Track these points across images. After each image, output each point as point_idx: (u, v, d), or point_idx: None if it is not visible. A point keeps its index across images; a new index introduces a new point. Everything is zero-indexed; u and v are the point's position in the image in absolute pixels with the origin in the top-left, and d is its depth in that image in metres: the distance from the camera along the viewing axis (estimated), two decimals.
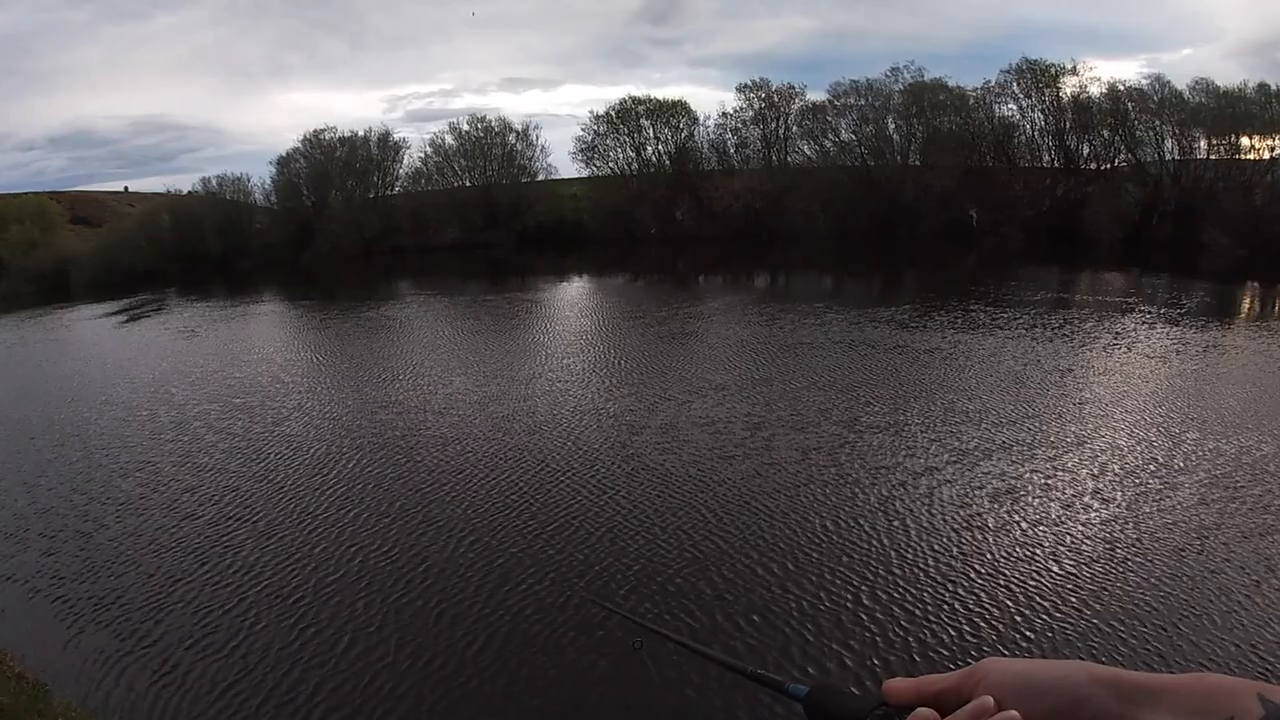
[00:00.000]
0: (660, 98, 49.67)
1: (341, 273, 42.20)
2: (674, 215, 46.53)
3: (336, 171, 53.66)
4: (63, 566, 9.51)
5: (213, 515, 10.60)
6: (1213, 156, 37.49)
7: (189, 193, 57.86)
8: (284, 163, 55.44)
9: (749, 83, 47.53)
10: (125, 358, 23.98)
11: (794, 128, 47.27)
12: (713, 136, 49.19)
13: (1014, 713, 0.59)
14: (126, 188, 79.75)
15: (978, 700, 0.62)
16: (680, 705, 6.18)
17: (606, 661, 6.78)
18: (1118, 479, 9.85)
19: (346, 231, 49.49)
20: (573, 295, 30.86)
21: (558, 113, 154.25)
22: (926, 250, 35.85)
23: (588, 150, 50.20)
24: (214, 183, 56.56)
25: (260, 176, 57.24)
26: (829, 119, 45.97)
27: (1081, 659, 0.71)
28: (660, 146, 49.41)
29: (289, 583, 8.60)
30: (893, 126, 45.03)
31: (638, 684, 6.47)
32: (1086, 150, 42.04)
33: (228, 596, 8.38)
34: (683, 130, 48.88)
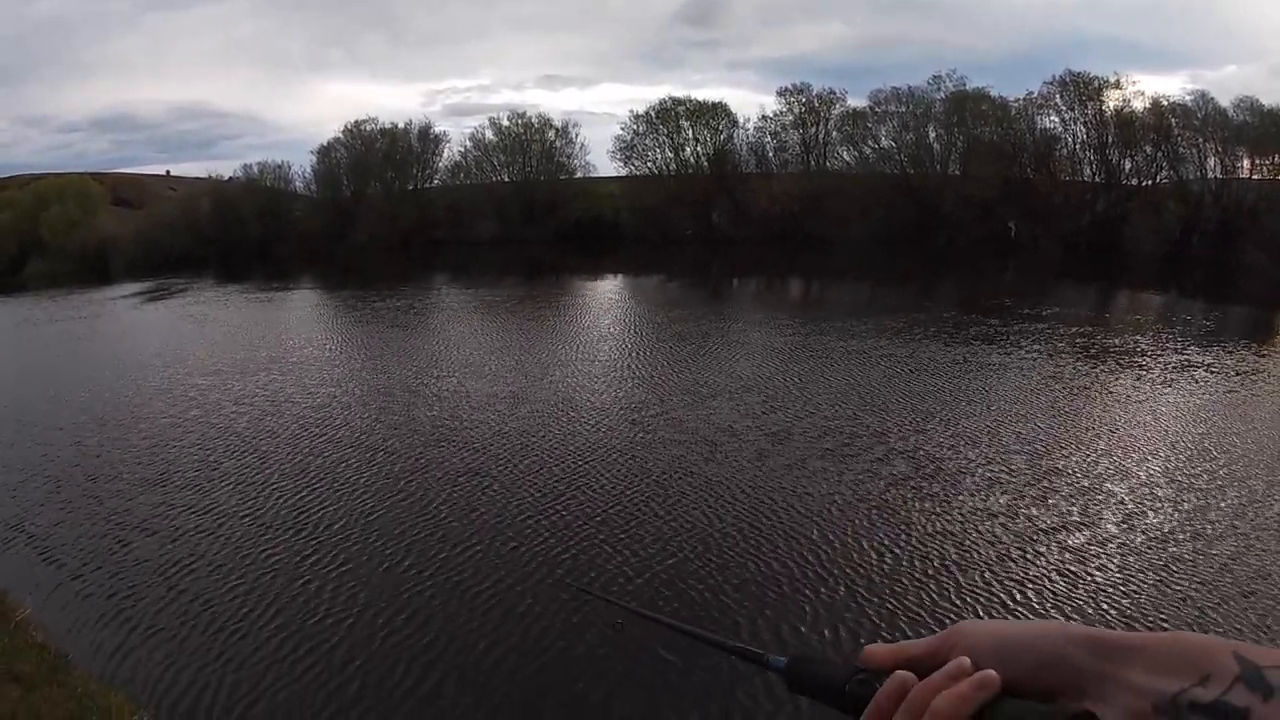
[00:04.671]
0: (700, 99, 49.63)
1: (378, 263, 42.38)
2: (711, 217, 46.39)
3: (376, 163, 53.86)
4: (85, 541, 9.66)
5: (233, 492, 10.76)
6: (1255, 176, 37.05)
7: (230, 178, 58.36)
8: (324, 152, 55.78)
9: (790, 86, 47.31)
10: (160, 338, 24.36)
11: (834, 133, 46.95)
12: (752, 139, 48.95)
13: (990, 671, 0.61)
14: (168, 171, 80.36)
15: (954, 661, 0.63)
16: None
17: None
18: (1146, 504, 9.59)
19: (384, 222, 49.76)
20: (607, 294, 30.84)
21: (595, 111, 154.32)
22: (964, 261, 35.57)
23: (626, 149, 50.16)
24: (255, 169, 57.04)
25: (300, 165, 57.54)
26: (869, 125, 45.70)
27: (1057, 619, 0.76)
28: (699, 148, 49.23)
29: (301, 556, 8.74)
30: (933, 135, 44.75)
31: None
32: (1128, 165, 41.37)
33: (244, 572, 8.50)
34: (722, 132, 48.67)
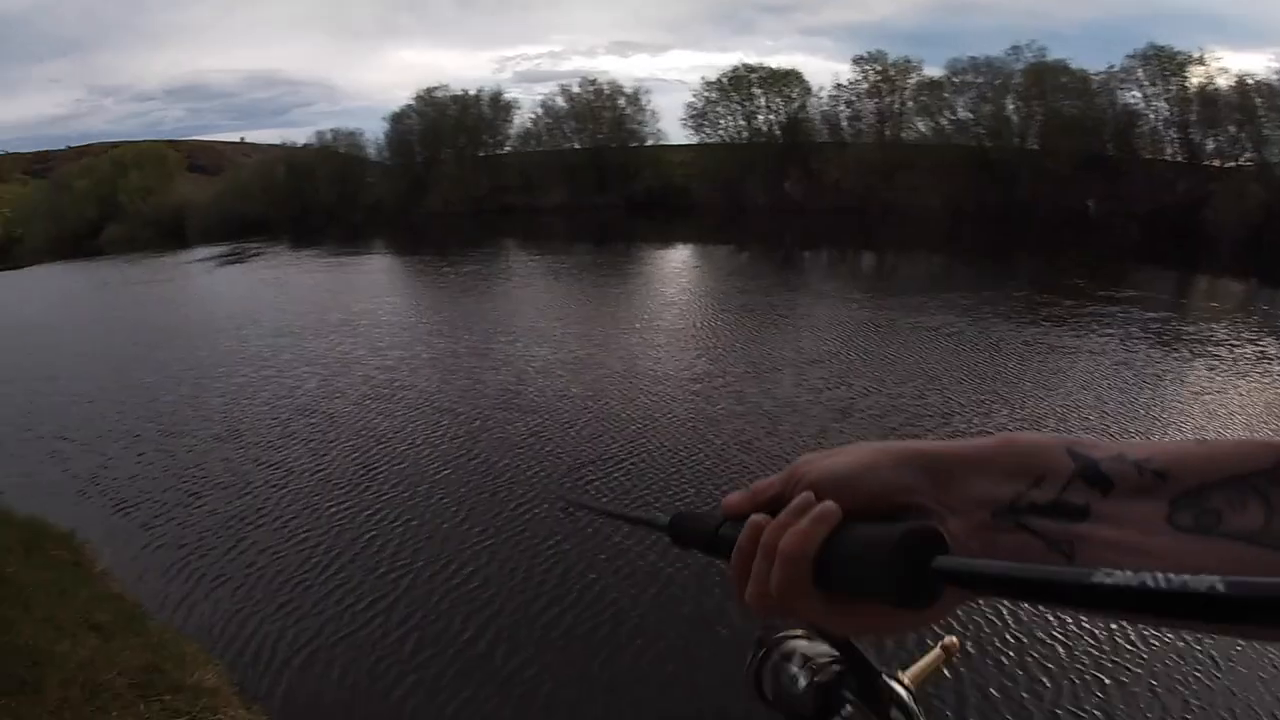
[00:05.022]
0: (773, 66, 49.12)
1: (450, 229, 42.68)
2: (783, 186, 45.89)
3: (449, 129, 54.14)
4: (159, 494, 9.89)
5: (302, 449, 10.97)
6: None
7: (304, 145, 59.11)
8: (397, 119, 56.19)
9: (865, 54, 46.42)
10: (234, 301, 25.00)
11: (909, 103, 45.90)
12: (826, 108, 48.04)
13: (830, 504, 0.60)
14: (243, 138, 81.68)
15: (798, 498, 0.62)
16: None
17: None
18: None
19: (457, 189, 50.13)
20: (675, 263, 30.56)
21: (665, 78, 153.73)
22: (1039, 238, 34.79)
23: (698, 117, 49.74)
24: (328, 136, 57.77)
25: (373, 131, 58.24)
26: (945, 96, 44.57)
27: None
28: (771, 116, 48.66)
29: (366, 513, 8.87)
30: (1011, 107, 43.48)
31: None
32: (1210, 146, 39.67)
33: (311, 527, 8.66)
34: (795, 100, 47.96)
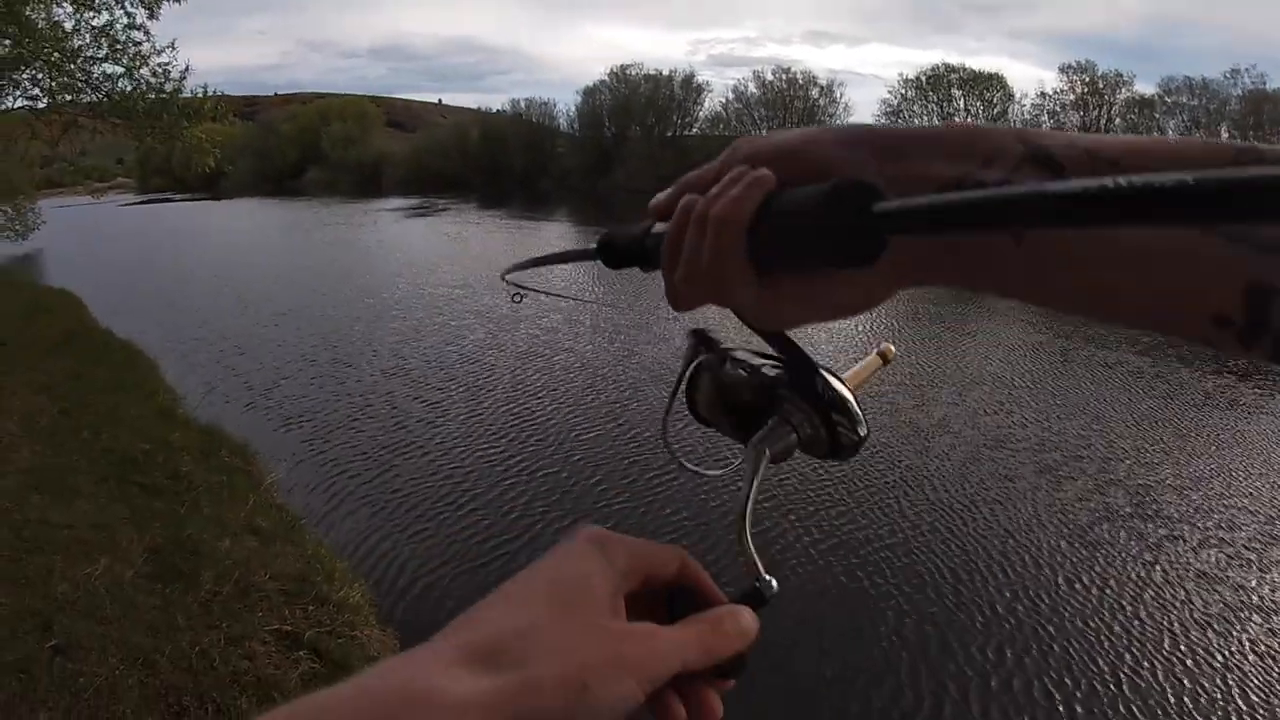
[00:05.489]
0: (975, 68, 47.85)
1: (634, 205, 43.09)
2: None
3: (639, 107, 54.84)
4: (325, 417, 10.38)
5: (459, 393, 11.33)
6: None
7: (498, 111, 60.90)
8: (590, 93, 57.31)
9: (1074, 64, 44.79)
10: (418, 250, 26.04)
11: (1116, 120, 43.75)
12: (1028, 116, 46.29)
13: (764, 170, 0.55)
14: (440, 100, 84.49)
15: (733, 171, 0.57)
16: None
17: None
18: None
19: (643, 165, 50.58)
20: None
21: (861, 71, 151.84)
22: None
23: (892, 114, 48.79)
24: (522, 104, 59.57)
25: (565, 103, 59.59)
26: (1157, 116, 42.22)
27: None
28: (969, 119, 47.02)
29: (513, 460, 9.04)
30: (1225, 136, 40.49)
31: None
32: None
33: (458, 466, 8.89)
34: (996, 105, 46.79)
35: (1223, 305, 0.46)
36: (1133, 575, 7.53)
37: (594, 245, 0.75)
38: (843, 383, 0.70)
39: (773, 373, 0.70)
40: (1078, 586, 7.25)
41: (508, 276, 1.01)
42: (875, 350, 0.91)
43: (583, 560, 0.52)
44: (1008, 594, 7.03)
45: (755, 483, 0.66)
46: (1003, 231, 0.49)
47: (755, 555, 0.63)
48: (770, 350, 0.71)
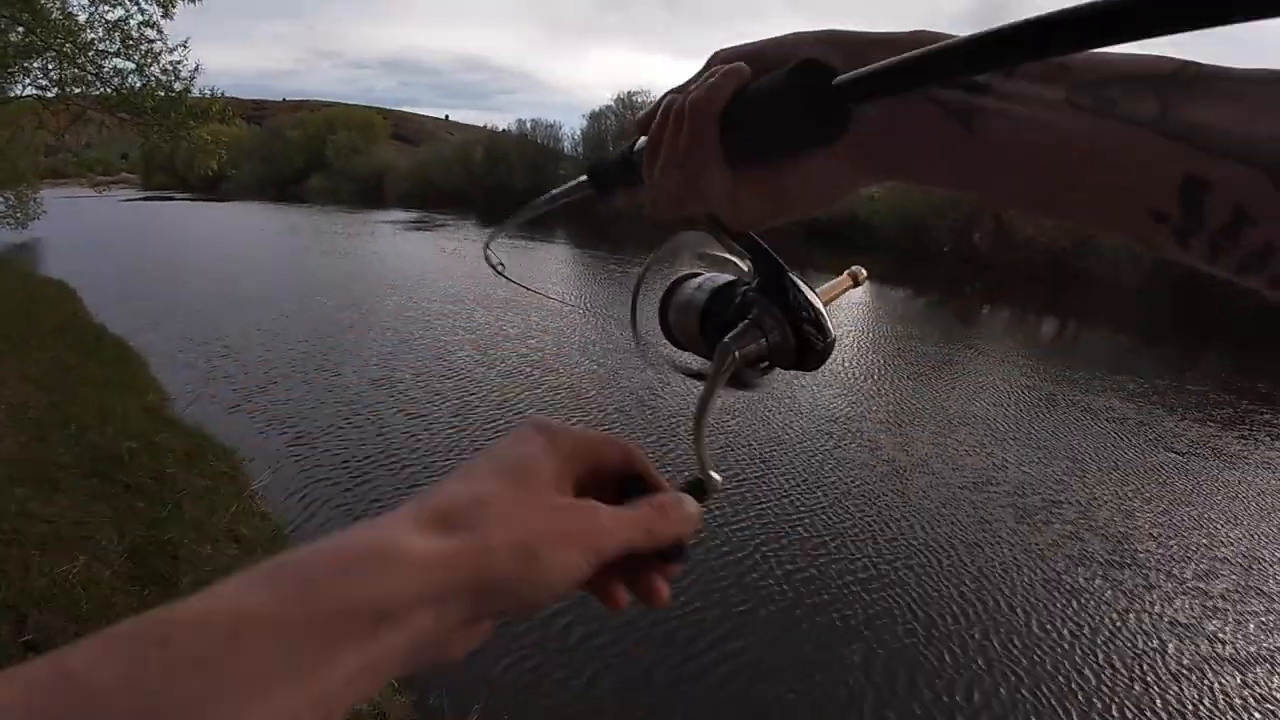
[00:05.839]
0: None
1: (631, 231, 43.31)
2: (972, 236, 44.75)
3: None
4: (312, 423, 10.42)
5: (443, 406, 11.39)
6: None
7: (504, 130, 61.16)
8: (596, 118, 57.42)
9: None
10: (412, 262, 26.06)
11: None
12: None
13: (741, 63, 0.59)
14: (448, 116, 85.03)
15: (710, 70, 0.61)
16: None
17: None
18: None
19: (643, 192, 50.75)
20: (846, 297, 30.15)
21: None
22: (1243, 331, 32.10)
23: None
24: (528, 125, 59.67)
25: (571, 126, 59.84)
26: None
27: None
28: None
29: None
30: None
31: None
32: None
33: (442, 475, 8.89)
34: None
35: (1159, 199, 0.48)
36: (1108, 623, 7.53)
37: (584, 177, 0.78)
38: (815, 291, 0.72)
39: (743, 285, 0.72)
40: (1052, 632, 7.25)
41: (491, 246, 1.02)
42: (845, 272, 0.95)
43: (529, 443, 0.55)
44: (981, 637, 7.02)
45: (719, 381, 0.67)
46: (935, 82, 0.52)
47: (705, 452, 0.66)
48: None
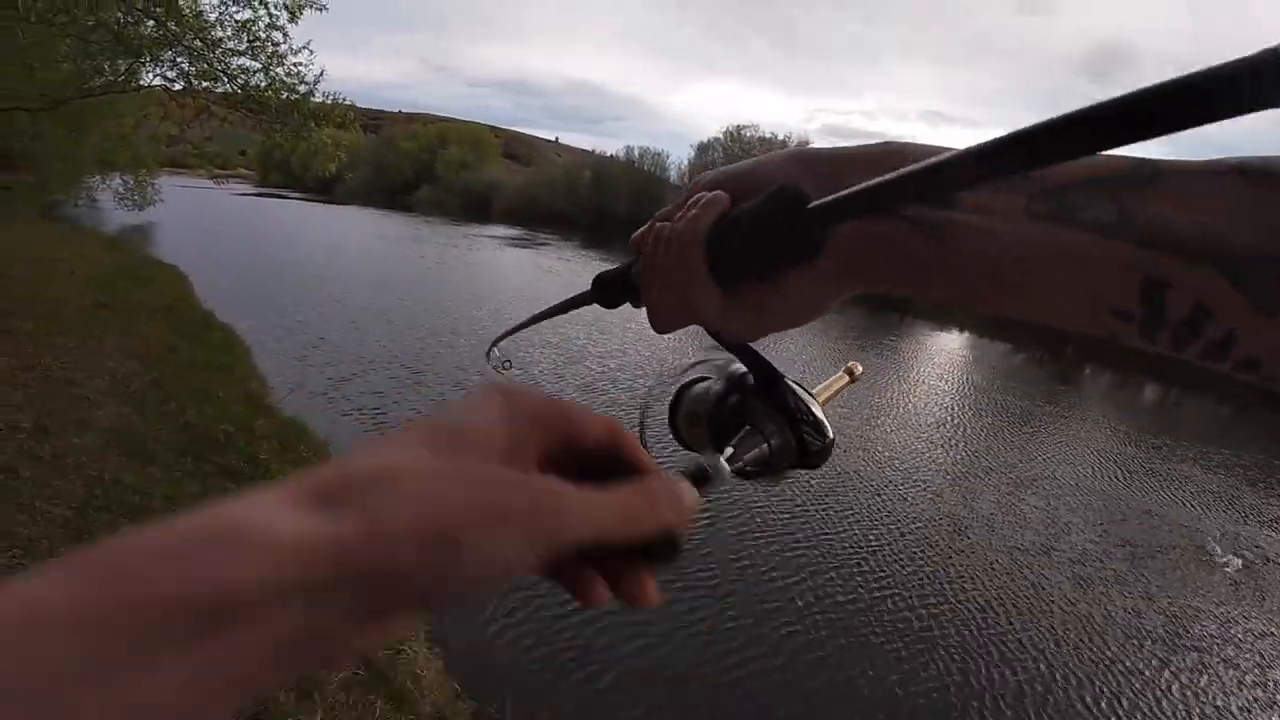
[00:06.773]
0: None
1: None
2: None
3: None
4: (399, 420, 10.57)
5: None
6: None
7: (611, 155, 61.90)
8: (703, 149, 58.08)
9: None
10: (509, 278, 26.28)
11: None
12: None
13: (720, 192, 0.63)
14: (557, 138, 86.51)
15: (693, 199, 0.64)
16: None
17: None
18: None
19: None
20: (940, 347, 29.26)
21: None
22: None
23: None
24: (635, 152, 60.50)
25: (678, 156, 60.20)
26: None
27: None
28: None
29: None
30: None
31: None
32: None
33: None
34: None
35: (1123, 300, 0.50)
36: (1153, 708, 7.28)
37: (587, 289, 0.83)
38: (810, 394, 0.75)
39: (744, 389, 0.75)
40: (1093, 708, 6.98)
41: (498, 347, 1.04)
42: (842, 369, 0.96)
43: (480, 405, 0.46)
44: (1015, 700, 6.76)
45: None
46: (901, 204, 0.55)
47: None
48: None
